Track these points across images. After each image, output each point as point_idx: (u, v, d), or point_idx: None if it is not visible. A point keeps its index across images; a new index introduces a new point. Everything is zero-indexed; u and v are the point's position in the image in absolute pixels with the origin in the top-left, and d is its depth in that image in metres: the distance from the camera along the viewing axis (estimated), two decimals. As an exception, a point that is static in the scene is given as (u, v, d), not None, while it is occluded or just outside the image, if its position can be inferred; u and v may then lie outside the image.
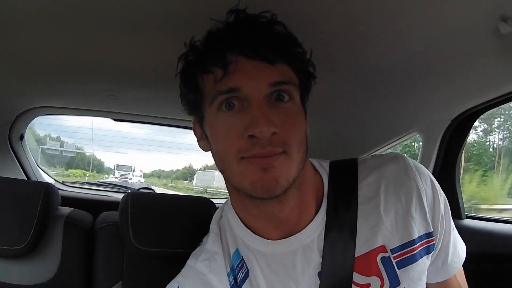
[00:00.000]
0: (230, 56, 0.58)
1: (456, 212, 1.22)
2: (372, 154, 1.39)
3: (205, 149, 0.70)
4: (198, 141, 0.72)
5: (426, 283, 0.69)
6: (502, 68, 0.82)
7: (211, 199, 1.16)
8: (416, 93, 1.04)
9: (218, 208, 0.81)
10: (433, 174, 0.72)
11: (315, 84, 0.69)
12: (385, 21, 0.72)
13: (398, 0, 0.65)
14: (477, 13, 0.67)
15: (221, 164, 0.63)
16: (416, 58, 0.85)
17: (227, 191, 0.70)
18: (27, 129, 1.63)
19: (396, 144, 1.43)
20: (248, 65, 0.58)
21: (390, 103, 1.13)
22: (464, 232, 0.76)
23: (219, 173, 0.66)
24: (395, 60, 0.87)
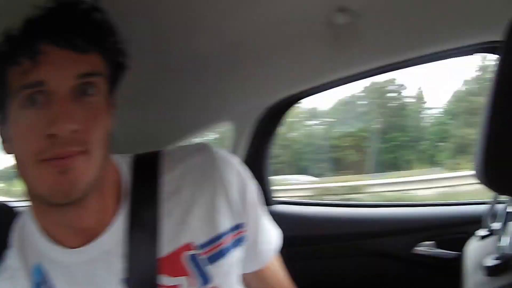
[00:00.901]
0: (41, 46, 0.52)
1: (265, 199, 1.28)
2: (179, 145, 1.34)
3: (9, 152, 0.60)
4: (3, 143, 0.62)
5: (242, 275, 0.69)
6: (327, 57, 0.87)
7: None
8: (228, 81, 1.02)
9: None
10: (244, 162, 0.72)
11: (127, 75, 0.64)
12: (202, 8, 0.70)
13: None
14: (311, 3, 0.68)
15: (19, 169, 0.56)
16: (232, 47, 0.83)
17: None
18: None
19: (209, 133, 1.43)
20: (57, 56, 0.53)
21: (200, 91, 1.09)
22: (274, 217, 0.78)
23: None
24: (209, 48, 0.83)
